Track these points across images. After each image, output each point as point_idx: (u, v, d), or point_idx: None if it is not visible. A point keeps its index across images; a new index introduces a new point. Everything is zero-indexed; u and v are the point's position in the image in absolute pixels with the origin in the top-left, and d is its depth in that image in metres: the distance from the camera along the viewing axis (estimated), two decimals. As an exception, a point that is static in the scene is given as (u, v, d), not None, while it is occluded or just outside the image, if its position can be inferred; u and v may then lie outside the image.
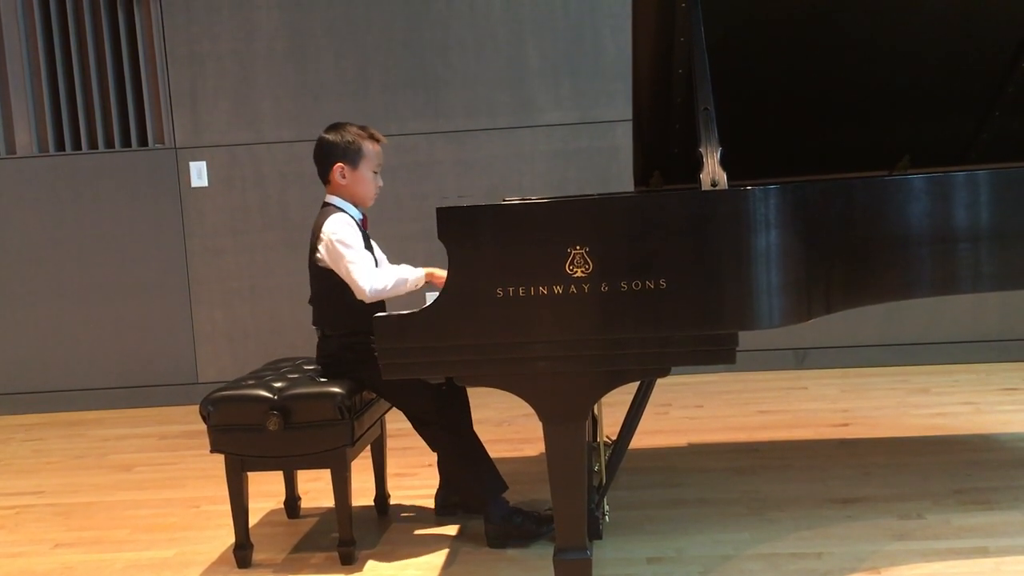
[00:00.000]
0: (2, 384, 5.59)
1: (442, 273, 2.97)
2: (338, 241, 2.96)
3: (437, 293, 2.45)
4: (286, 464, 3.08)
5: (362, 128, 3.13)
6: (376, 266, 3.10)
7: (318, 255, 3.02)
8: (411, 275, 2.95)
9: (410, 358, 2.45)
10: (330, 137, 3.10)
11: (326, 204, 3.11)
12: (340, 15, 5.32)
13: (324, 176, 3.12)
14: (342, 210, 3.07)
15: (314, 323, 3.15)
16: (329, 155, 3.09)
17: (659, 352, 2.39)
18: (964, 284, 2.74)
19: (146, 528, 3.48)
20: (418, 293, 3.05)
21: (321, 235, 3.01)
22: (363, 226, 3.13)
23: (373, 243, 3.18)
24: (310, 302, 3.14)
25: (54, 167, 5.49)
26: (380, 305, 3.00)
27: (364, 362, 2.98)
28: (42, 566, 3.18)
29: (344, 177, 3.08)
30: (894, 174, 3.34)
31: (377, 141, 3.14)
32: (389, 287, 2.92)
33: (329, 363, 3.11)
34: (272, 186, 5.44)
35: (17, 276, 5.53)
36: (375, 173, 3.13)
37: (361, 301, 2.95)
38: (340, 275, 2.97)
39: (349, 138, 3.08)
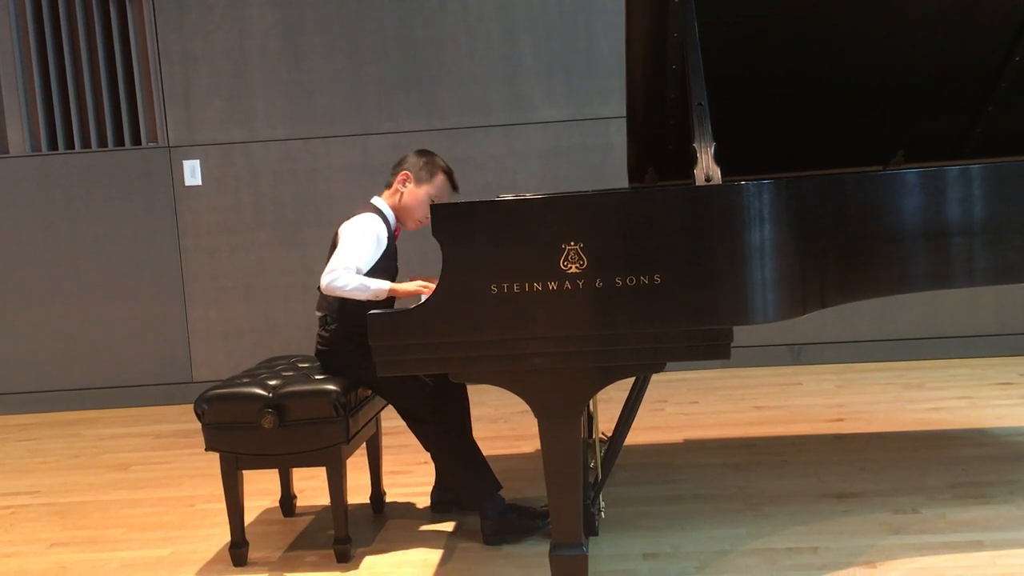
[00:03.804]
0: (-4, 384, 5.58)
1: (404, 287, 2.98)
2: (350, 231, 3.02)
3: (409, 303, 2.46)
4: (281, 462, 3.07)
5: (448, 167, 3.20)
6: (393, 278, 3.14)
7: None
8: (373, 284, 2.95)
9: (405, 355, 2.45)
10: (415, 156, 3.19)
11: (370, 204, 3.16)
12: (333, 13, 5.31)
13: (388, 181, 3.18)
14: (381, 212, 3.12)
15: (318, 309, 3.15)
16: (403, 165, 3.17)
17: (654, 348, 2.39)
18: (958, 279, 2.74)
19: (141, 527, 3.47)
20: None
21: (346, 222, 3.07)
22: (394, 235, 3.16)
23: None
24: (319, 288, 3.14)
25: (47, 166, 5.47)
26: (385, 300, 3.00)
27: (363, 356, 2.97)
28: (37, 566, 3.18)
29: (405, 186, 3.14)
30: (888, 169, 3.34)
31: (453, 185, 3.21)
32: (348, 288, 2.92)
33: (328, 352, 3.11)
34: (266, 184, 5.43)
35: (10, 275, 5.52)
36: (432, 202, 3.15)
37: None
38: None
39: (430, 163, 3.17)
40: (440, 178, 3.17)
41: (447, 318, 2.40)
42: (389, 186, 3.18)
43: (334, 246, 3.07)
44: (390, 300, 3.03)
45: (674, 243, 2.35)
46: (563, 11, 5.25)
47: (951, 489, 3.22)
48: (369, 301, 2.91)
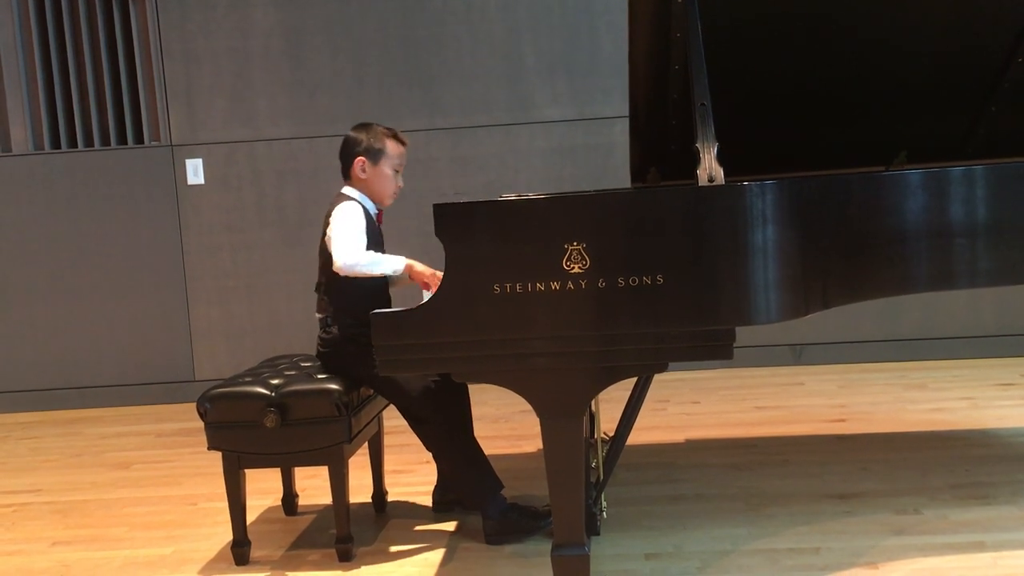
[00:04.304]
0: (-1, 382, 5.59)
1: (422, 268, 2.97)
2: (339, 217, 3.01)
3: (426, 293, 2.45)
4: (283, 461, 3.08)
5: (388, 129, 3.18)
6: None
7: (326, 239, 3.04)
8: (387, 260, 2.95)
9: (407, 355, 2.45)
10: (355, 134, 3.16)
11: (341, 193, 3.14)
12: (336, 12, 5.32)
13: (346, 171, 3.16)
14: (355, 200, 3.11)
15: (318, 311, 3.15)
16: (352, 149, 3.15)
17: (656, 348, 2.39)
18: (961, 280, 2.74)
19: (144, 526, 3.48)
20: (414, 290, 3.04)
21: (329, 218, 3.05)
22: (378, 220, 3.16)
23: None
24: (316, 290, 3.14)
25: (50, 165, 5.48)
26: (383, 300, 3.00)
27: (364, 356, 2.98)
28: (40, 564, 3.18)
29: (364, 172, 3.12)
30: (891, 170, 3.34)
31: (401, 143, 3.18)
32: (363, 263, 2.92)
33: (329, 354, 3.11)
34: (268, 183, 5.43)
35: (13, 274, 5.53)
36: (396, 172, 3.17)
37: (365, 294, 2.96)
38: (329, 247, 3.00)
39: (374, 135, 3.14)
40: (390, 146, 3.14)
41: (449, 318, 2.40)
42: (349, 176, 3.15)
43: (323, 248, 3.06)
44: (387, 299, 3.03)
45: (677, 243, 2.35)
46: (565, 10, 5.25)
47: (953, 490, 3.22)
48: (369, 302, 2.90)
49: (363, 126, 3.18)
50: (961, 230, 2.70)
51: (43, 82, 5.45)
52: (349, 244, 2.94)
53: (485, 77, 5.31)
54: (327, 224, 3.06)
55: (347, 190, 3.15)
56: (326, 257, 3.05)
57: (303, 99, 5.37)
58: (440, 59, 5.32)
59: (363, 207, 3.09)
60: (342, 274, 2.95)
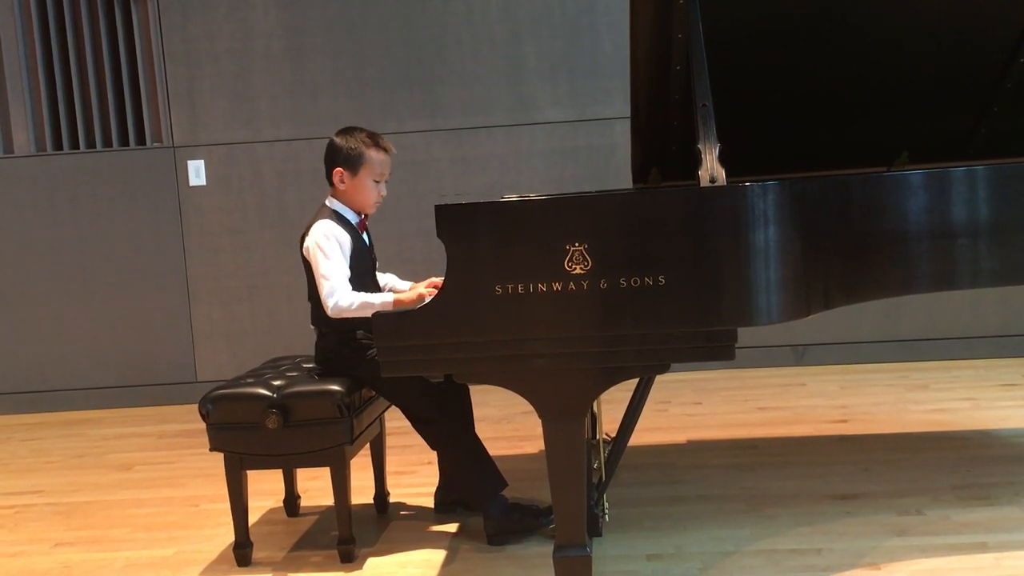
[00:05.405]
0: (1, 384, 5.58)
1: (406, 296, 2.97)
2: (317, 248, 2.98)
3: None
4: (285, 462, 3.08)
5: (371, 135, 3.10)
6: (372, 269, 3.12)
7: (315, 276, 3.03)
8: (377, 300, 2.93)
9: (409, 355, 2.45)
10: (336, 141, 3.10)
11: (323, 206, 3.12)
12: (337, 14, 5.32)
13: (328, 178, 3.12)
14: (337, 212, 3.08)
15: (312, 322, 3.15)
16: (332, 158, 3.10)
17: (658, 349, 2.39)
18: (963, 280, 2.74)
19: (146, 527, 3.48)
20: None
21: (306, 239, 3.04)
22: (360, 227, 3.13)
23: (372, 244, 3.20)
24: (309, 299, 3.14)
25: (52, 166, 5.48)
26: None
27: (362, 360, 3.00)
28: (42, 565, 3.18)
29: (343, 182, 3.08)
30: (893, 170, 3.34)
31: (384, 150, 3.10)
32: (354, 307, 2.92)
33: (327, 361, 3.11)
34: (270, 185, 5.43)
35: (15, 275, 5.53)
36: (377, 182, 3.11)
37: None
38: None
39: (353, 144, 3.07)
40: (370, 155, 3.06)
41: (451, 319, 2.40)
42: (331, 185, 3.11)
43: (306, 262, 3.05)
44: None
45: (678, 244, 2.35)
46: (567, 11, 5.26)
47: (955, 490, 3.21)
48: None
49: (346, 132, 3.11)
50: (963, 230, 2.70)
51: (45, 84, 5.45)
52: (336, 288, 2.92)
53: (486, 78, 5.31)
54: (305, 246, 3.03)
55: (329, 201, 3.11)
56: (308, 268, 3.05)
57: (304, 100, 5.38)
58: (441, 60, 5.32)
59: (344, 219, 3.07)
60: (333, 317, 2.95)
